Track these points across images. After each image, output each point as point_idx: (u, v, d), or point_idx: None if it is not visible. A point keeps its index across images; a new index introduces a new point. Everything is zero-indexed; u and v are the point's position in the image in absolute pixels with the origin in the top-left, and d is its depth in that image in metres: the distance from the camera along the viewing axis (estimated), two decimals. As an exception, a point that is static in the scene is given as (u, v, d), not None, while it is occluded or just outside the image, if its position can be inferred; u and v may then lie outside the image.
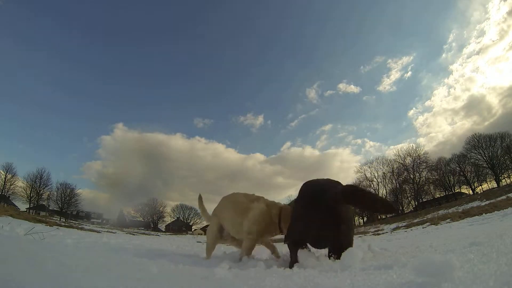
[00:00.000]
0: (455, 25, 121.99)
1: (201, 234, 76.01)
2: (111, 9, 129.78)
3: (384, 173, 77.37)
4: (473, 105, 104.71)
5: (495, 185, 66.14)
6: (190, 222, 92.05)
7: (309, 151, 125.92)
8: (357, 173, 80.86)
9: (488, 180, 69.73)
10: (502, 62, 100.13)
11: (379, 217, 70.64)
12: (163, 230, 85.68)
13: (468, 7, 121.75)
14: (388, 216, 51.41)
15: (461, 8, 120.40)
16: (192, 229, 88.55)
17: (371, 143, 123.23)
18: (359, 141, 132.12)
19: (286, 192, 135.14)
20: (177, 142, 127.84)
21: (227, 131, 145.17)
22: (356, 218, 79.87)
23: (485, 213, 15.69)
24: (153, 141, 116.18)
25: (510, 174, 68.42)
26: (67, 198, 74.29)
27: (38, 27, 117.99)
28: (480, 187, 70.27)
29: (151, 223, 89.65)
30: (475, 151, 69.00)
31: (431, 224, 19.26)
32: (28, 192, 69.67)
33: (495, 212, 14.08)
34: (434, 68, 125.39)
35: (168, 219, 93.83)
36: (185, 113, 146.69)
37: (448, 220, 18.43)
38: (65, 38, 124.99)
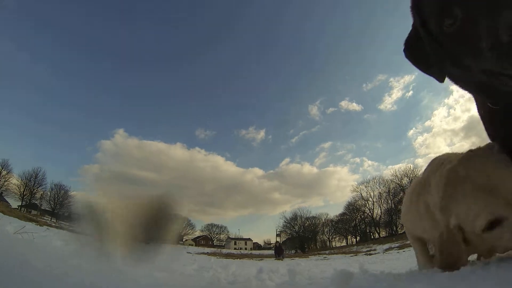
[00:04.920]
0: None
1: (192, 245, 75.17)
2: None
3: (380, 192, 76.68)
4: (473, 126, 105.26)
5: None
6: (182, 232, 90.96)
7: (307, 168, 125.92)
8: (353, 192, 79.88)
9: None
10: None
11: (372, 237, 70.54)
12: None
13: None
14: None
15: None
16: (183, 239, 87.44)
17: (370, 162, 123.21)
18: (357, 159, 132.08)
19: (282, 208, 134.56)
20: (177, 151, 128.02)
21: (228, 144, 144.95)
22: (349, 237, 79.68)
23: None
24: (154, 149, 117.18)
25: None
26: (60, 199, 73.57)
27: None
28: None
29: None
30: None
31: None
32: (22, 190, 69.19)
33: None
34: (435, 88, 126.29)
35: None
36: (187, 124, 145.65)
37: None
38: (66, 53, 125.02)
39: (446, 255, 1.69)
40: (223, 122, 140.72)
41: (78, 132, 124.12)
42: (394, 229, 71.08)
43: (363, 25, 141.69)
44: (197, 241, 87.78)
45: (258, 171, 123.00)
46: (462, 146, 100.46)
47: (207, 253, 37.50)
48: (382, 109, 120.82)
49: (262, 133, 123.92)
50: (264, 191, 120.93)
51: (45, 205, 74.29)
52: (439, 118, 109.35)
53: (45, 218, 54.19)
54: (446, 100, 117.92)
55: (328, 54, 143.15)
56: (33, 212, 62.73)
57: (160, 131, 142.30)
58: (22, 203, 69.03)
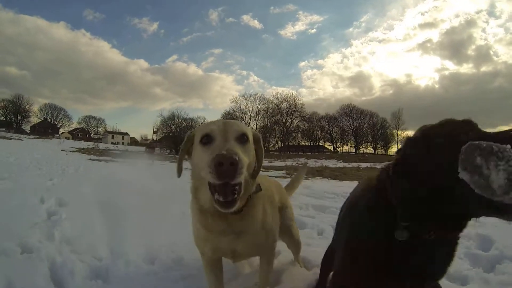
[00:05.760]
0: (372, 11, 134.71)
1: (69, 138, 69.95)
2: None
3: (258, 109, 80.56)
4: (359, 79, 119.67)
5: (353, 150, 78.69)
6: (58, 124, 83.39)
7: (193, 69, 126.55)
8: (233, 102, 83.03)
9: (349, 144, 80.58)
10: (396, 58, 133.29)
11: None
12: (28, 131, 75.58)
13: (390, 3, 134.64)
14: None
15: (385, 0, 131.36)
16: (60, 132, 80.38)
17: (256, 78, 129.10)
18: (244, 72, 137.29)
19: (161, 104, 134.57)
20: (59, 32, 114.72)
21: (117, 30, 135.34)
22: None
23: (335, 179, 17.47)
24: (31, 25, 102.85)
25: (368, 146, 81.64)
26: None
27: None
28: (341, 147, 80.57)
29: (14, 123, 77.94)
30: (346, 118, 79.14)
31: (286, 174, 19.87)
32: None
33: (342, 183, 15.48)
34: (337, 36, 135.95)
35: (34, 119, 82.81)
36: (76, 1, 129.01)
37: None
38: None
39: None
40: (116, 6, 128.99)
41: None
42: (267, 145, 76.81)
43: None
44: (74, 134, 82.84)
45: (144, 64, 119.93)
46: (344, 92, 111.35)
47: (83, 149, 35.97)
48: (281, 35, 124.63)
49: (155, 26, 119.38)
50: (146, 84, 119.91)
51: None
52: (332, 61, 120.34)
53: None
54: (344, 50, 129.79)
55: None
56: None
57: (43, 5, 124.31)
58: None
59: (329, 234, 3.84)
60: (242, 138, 1.61)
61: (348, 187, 12.29)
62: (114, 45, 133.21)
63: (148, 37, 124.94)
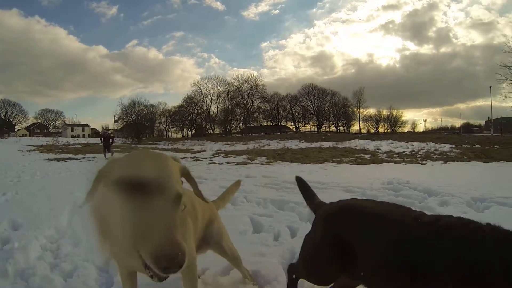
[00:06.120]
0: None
1: (26, 135, 66.80)
2: None
3: (219, 92, 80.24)
4: (321, 59, 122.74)
5: (315, 129, 79.59)
6: (13, 121, 78.62)
7: (154, 54, 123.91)
8: (193, 86, 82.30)
9: (311, 123, 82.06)
10: (358, 38, 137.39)
11: (207, 132, 77.03)
12: (-18, 132, 71.00)
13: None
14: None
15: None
16: (16, 130, 76.03)
17: (217, 60, 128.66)
18: (205, 55, 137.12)
19: (122, 92, 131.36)
20: (12, 20, 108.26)
21: (74, 15, 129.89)
22: (185, 129, 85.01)
23: (297, 162, 17.70)
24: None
25: (330, 125, 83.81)
26: None
27: None
28: (303, 127, 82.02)
29: (-35, 125, 72.92)
30: (307, 98, 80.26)
31: (248, 158, 20.20)
32: None
33: (304, 166, 15.66)
34: (300, 16, 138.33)
35: (-13, 118, 78.03)
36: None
37: (263, 159, 19.67)
38: None
39: None
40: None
41: None
42: (228, 128, 78.53)
43: None
44: (31, 130, 79.60)
45: (103, 50, 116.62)
46: (306, 71, 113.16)
47: (41, 146, 34.67)
48: (244, 16, 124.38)
49: (114, 10, 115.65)
50: (105, 71, 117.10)
51: None
52: (294, 41, 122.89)
53: None
54: (306, 30, 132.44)
55: None
56: None
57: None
58: None
59: (285, 238, 3.81)
60: (176, 200, 1.30)
61: (309, 171, 12.71)
62: (70, 32, 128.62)
63: (107, 21, 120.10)
